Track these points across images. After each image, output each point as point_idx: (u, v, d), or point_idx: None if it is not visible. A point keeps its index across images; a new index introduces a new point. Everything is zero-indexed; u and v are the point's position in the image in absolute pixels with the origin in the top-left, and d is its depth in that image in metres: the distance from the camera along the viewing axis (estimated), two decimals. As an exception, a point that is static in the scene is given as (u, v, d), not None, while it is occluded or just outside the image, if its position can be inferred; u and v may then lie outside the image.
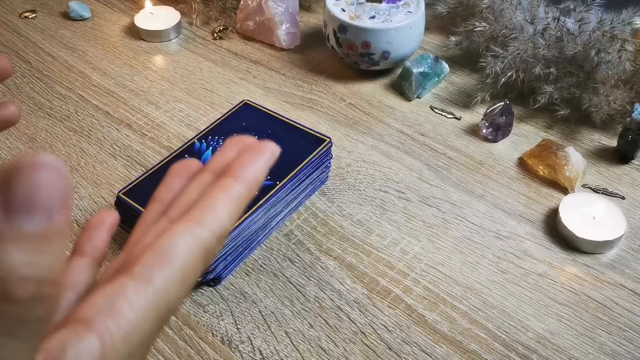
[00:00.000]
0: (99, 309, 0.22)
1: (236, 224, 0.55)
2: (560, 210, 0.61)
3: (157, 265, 0.22)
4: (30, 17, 0.94)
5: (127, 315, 0.21)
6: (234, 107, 0.67)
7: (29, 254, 0.17)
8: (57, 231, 0.18)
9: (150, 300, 0.22)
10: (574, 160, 0.65)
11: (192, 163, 0.29)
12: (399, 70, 0.81)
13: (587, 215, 0.61)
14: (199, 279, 0.55)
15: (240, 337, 0.53)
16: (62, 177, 0.18)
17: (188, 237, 0.23)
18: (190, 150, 0.62)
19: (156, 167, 0.60)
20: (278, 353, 0.52)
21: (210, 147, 0.62)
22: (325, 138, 0.63)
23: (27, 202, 0.17)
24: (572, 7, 0.73)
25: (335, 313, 0.55)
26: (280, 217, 0.61)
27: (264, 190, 0.58)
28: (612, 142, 0.72)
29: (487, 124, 0.72)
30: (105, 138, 0.73)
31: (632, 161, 0.70)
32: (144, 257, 0.23)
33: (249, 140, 0.27)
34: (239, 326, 0.54)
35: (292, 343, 0.53)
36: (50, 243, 0.18)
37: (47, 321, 0.19)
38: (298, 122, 0.65)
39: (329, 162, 0.65)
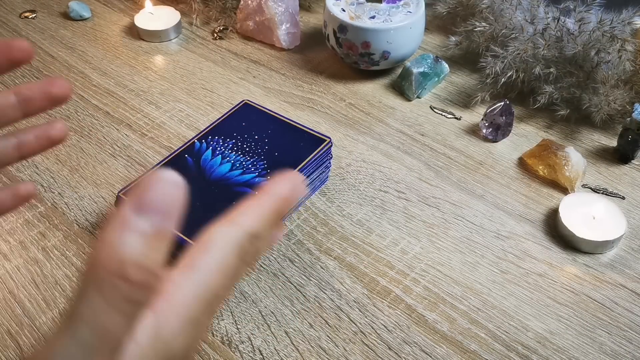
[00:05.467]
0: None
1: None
2: (560, 210, 0.61)
3: (198, 255, 0.26)
4: (30, 17, 0.94)
5: (177, 297, 0.24)
6: (234, 107, 0.67)
7: (145, 247, 0.22)
8: (168, 233, 0.23)
9: (195, 284, 0.25)
10: (574, 160, 0.65)
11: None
12: (399, 70, 0.81)
13: (587, 215, 0.61)
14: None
15: (240, 337, 0.53)
16: (180, 192, 0.23)
17: (223, 233, 0.27)
18: (190, 150, 0.62)
19: (156, 167, 0.60)
20: (278, 353, 0.52)
21: (210, 148, 0.62)
22: (325, 138, 0.63)
23: (153, 205, 0.22)
24: (572, 7, 0.73)
25: (335, 313, 0.55)
26: (280, 217, 0.61)
27: (264, 190, 0.58)
28: (612, 142, 0.72)
29: (487, 124, 0.72)
30: (105, 138, 0.73)
31: (632, 161, 0.70)
32: (187, 251, 0.26)
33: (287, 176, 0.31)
34: (239, 326, 0.54)
35: (292, 343, 0.53)
36: (162, 242, 0.23)
37: (144, 306, 0.23)
38: (298, 122, 0.65)
39: (329, 162, 0.65)
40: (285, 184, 0.30)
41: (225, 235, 0.27)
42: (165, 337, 0.24)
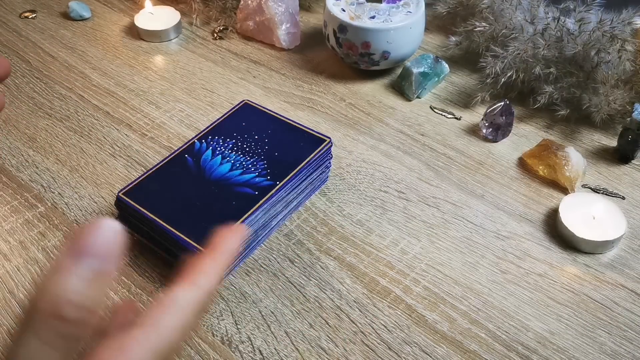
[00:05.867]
0: (113, 349, 0.26)
1: (236, 224, 0.55)
2: (560, 210, 0.61)
3: (161, 316, 0.27)
4: (30, 17, 0.94)
5: (138, 354, 0.26)
6: (234, 107, 0.67)
7: (84, 288, 0.24)
8: (105, 274, 0.24)
9: (155, 342, 0.26)
10: (574, 160, 0.65)
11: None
12: (399, 70, 0.81)
13: (587, 215, 0.61)
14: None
15: (240, 337, 0.53)
16: (118, 237, 0.25)
17: (185, 295, 0.28)
18: (190, 150, 0.62)
19: (156, 167, 0.60)
20: (278, 353, 0.52)
21: (210, 148, 0.62)
22: (325, 138, 0.63)
23: (90, 251, 0.24)
24: (572, 7, 0.73)
25: (335, 313, 0.55)
26: (280, 217, 0.61)
27: (264, 190, 0.58)
28: (612, 142, 0.72)
29: (487, 124, 0.72)
30: (105, 138, 0.73)
31: (632, 161, 0.70)
32: (150, 309, 0.27)
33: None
34: (239, 326, 0.54)
35: (292, 343, 0.53)
36: (99, 282, 0.24)
37: (80, 341, 0.24)
38: (298, 122, 0.65)
39: (329, 162, 0.65)
40: (235, 239, 0.32)
41: (187, 297, 0.28)
42: None
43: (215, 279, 0.30)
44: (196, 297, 0.28)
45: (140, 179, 0.59)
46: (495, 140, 0.72)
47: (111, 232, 0.25)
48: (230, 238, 0.32)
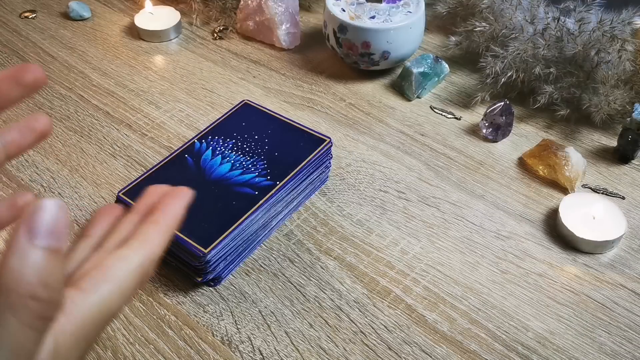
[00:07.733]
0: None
1: (236, 224, 0.55)
2: (560, 210, 0.61)
3: (101, 281, 0.28)
4: (30, 17, 0.94)
5: (76, 317, 0.26)
6: (234, 107, 0.67)
7: (46, 267, 0.24)
8: (60, 251, 0.24)
9: (94, 306, 0.27)
10: (574, 160, 0.65)
11: (116, 208, 0.35)
12: (399, 70, 0.81)
13: (587, 215, 0.61)
14: (198, 279, 0.55)
15: (240, 337, 0.53)
16: (63, 214, 0.25)
17: (127, 261, 0.29)
18: (190, 151, 0.62)
19: (156, 167, 0.60)
20: (278, 353, 0.52)
21: (210, 148, 0.62)
22: (325, 138, 0.63)
23: (42, 230, 0.24)
24: (572, 7, 0.73)
25: (335, 313, 0.55)
26: (280, 217, 0.61)
27: (264, 190, 0.58)
28: (612, 142, 0.72)
29: (487, 124, 0.72)
30: (105, 138, 0.73)
31: (632, 161, 0.70)
32: (90, 273, 0.28)
33: (166, 188, 0.33)
34: (239, 326, 0.54)
35: (292, 343, 0.53)
36: (56, 260, 0.24)
37: (53, 320, 0.25)
38: (298, 122, 0.65)
39: (329, 162, 0.65)
40: (180, 202, 0.32)
41: (128, 264, 0.28)
42: (62, 354, 0.26)
43: (160, 244, 0.30)
44: (141, 263, 0.28)
45: (140, 179, 0.59)
46: (495, 140, 0.72)
47: (56, 210, 0.25)
48: (177, 202, 0.31)
